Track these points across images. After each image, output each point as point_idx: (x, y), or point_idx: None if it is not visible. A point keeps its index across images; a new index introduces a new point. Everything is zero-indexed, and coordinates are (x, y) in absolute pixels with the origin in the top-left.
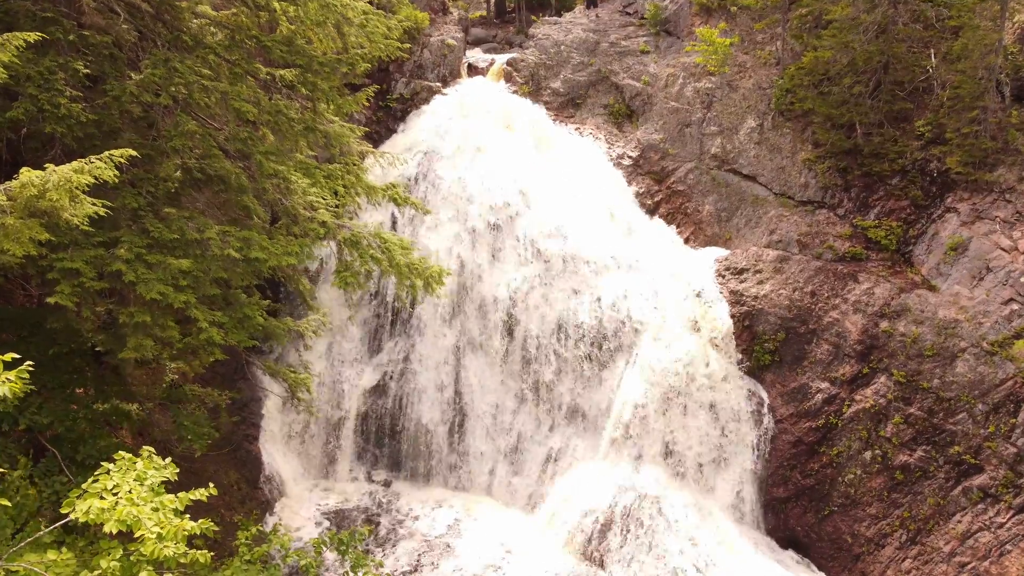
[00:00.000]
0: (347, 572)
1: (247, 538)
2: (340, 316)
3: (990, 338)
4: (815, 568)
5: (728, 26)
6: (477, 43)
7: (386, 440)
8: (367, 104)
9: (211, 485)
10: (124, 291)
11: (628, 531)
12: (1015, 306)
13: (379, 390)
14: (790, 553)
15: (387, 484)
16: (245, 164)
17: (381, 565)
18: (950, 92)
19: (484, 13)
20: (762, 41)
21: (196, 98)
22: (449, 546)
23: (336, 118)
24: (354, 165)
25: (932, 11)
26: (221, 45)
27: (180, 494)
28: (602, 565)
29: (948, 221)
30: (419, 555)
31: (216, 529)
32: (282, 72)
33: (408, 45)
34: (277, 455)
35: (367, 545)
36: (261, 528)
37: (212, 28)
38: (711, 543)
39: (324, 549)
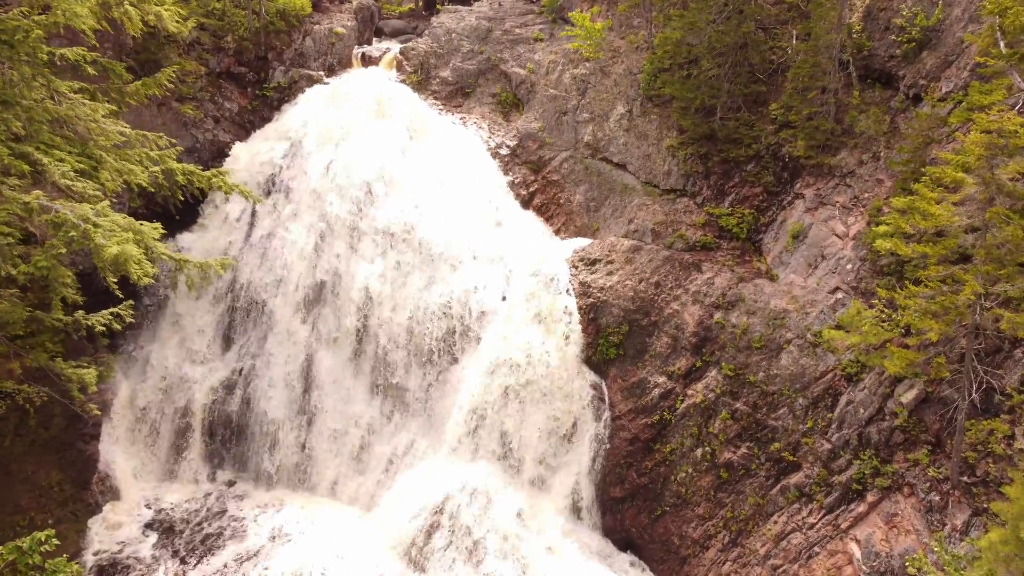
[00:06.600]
0: None
1: None
2: (196, 313)
3: (815, 328)
4: (649, 572)
5: (600, 10)
6: (395, 34)
7: (233, 440)
8: (168, 85)
9: None
10: None
11: (453, 534)
12: (840, 295)
13: (228, 388)
14: (626, 556)
15: (231, 484)
16: None
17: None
18: (792, 73)
19: (413, 6)
20: (637, 25)
21: None
22: (277, 549)
23: (77, 96)
24: (98, 143)
25: None
26: None
27: None
28: (423, 569)
29: (795, 208)
30: (243, 559)
31: None
32: None
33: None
34: (119, 455)
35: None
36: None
37: None
38: (538, 547)
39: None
